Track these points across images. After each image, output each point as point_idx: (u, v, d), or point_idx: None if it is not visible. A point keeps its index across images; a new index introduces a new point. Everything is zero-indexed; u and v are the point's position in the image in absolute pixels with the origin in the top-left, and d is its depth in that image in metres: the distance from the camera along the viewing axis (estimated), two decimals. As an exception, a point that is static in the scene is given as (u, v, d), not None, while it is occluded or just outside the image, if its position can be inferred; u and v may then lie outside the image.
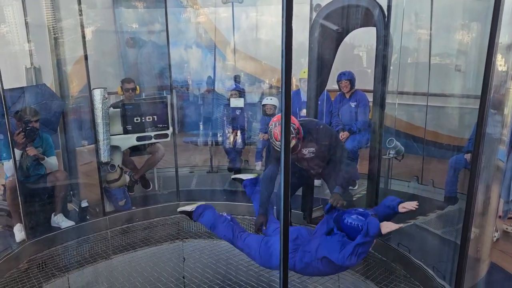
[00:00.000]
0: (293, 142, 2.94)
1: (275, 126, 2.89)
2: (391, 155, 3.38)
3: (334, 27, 3.34)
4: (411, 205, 2.77)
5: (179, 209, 3.38)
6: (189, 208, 3.30)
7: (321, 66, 3.74)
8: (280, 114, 2.81)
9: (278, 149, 2.95)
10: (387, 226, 2.61)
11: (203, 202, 3.44)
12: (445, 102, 5.00)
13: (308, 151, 3.13)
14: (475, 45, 4.39)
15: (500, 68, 2.58)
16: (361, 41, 6.28)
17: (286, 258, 1.62)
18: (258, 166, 5.29)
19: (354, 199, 4.55)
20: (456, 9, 4.63)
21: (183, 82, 6.34)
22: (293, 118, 2.95)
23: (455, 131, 4.63)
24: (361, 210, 2.79)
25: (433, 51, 4.87)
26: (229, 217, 3.17)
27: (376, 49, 3.55)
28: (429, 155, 4.83)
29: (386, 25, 3.43)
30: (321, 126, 3.20)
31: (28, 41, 4.89)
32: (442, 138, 4.92)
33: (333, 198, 2.97)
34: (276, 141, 2.90)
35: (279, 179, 2.91)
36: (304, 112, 4.34)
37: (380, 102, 3.50)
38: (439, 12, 4.81)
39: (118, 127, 4.20)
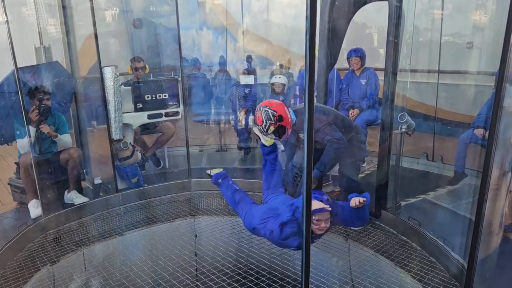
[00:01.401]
0: (271, 128, 3.00)
1: (257, 110, 3.02)
2: (403, 130, 3.39)
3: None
4: (358, 200, 2.79)
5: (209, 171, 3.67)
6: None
7: (331, 41, 3.72)
8: (268, 100, 3.05)
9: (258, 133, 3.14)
10: (317, 204, 2.67)
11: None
12: (457, 79, 4.98)
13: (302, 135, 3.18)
14: (490, 23, 4.35)
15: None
16: (372, 22, 6.22)
17: (308, 238, 1.66)
18: None
19: (363, 175, 4.58)
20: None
21: (193, 62, 6.33)
22: (275, 103, 3.02)
23: (466, 109, 4.62)
24: (320, 195, 2.82)
25: (446, 29, 4.83)
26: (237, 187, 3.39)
27: (388, 25, 3.52)
28: (439, 132, 4.83)
29: (399, 0, 3.38)
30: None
31: (38, 20, 4.90)
32: (452, 116, 4.92)
33: None
34: (258, 125, 3.02)
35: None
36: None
37: (392, 77, 3.48)
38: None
39: (129, 105, 4.22)
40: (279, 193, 3.24)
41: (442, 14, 4.87)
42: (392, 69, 3.30)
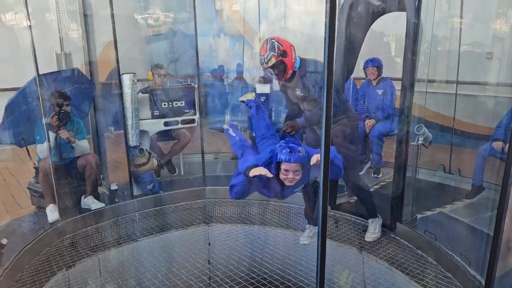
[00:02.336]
0: (272, 60, 2.99)
1: (264, 41, 3.03)
2: (420, 142, 3.35)
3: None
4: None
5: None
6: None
7: (348, 51, 3.72)
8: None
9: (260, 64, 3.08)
10: (257, 170, 2.70)
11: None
12: (476, 90, 4.91)
13: (299, 91, 3.20)
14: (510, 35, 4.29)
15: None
16: (390, 30, 6.18)
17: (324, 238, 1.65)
18: None
19: (378, 186, 4.54)
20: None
21: (210, 70, 6.39)
22: (283, 39, 3.03)
23: (485, 120, 4.55)
24: (294, 143, 2.77)
25: (465, 38, 4.78)
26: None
27: (406, 35, 3.50)
28: (457, 144, 4.77)
29: (417, 10, 3.36)
30: (313, 64, 3.18)
31: (59, 27, 5.01)
32: (471, 127, 4.85)
33: (287, 124, 3.13)
34: (260, 55, 3.02)
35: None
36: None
37: (409, 90, 3.45)
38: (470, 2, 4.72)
39: (146, 112, 4.27)
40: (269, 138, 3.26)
41: (461, 23, 4.82)
42: (409, 85, 3.27)
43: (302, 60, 3.14)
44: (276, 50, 2.97)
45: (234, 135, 3.45)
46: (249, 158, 2.99)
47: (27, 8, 3.56)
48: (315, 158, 2.68)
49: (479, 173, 3.82)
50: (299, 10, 6.33)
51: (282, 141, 2.82)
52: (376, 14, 3.63)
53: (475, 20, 4.97)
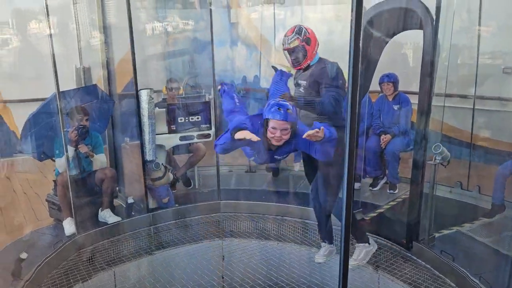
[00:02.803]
0: (294, 42, 3.00)
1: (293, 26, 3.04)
2: (437, 161, 3.31)
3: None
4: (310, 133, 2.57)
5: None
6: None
7: (364, 69, 3.71)
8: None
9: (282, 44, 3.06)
10: (242, 133, 2.69)
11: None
12: (497, 105, 4.86)
13: (303, 88, 3.11)
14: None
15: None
16: (406, 38, 6.14)
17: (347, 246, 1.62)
18: (297, 166, 5.27)
19: (394, 202, 4.49)
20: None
21: (226, 79, 6.42)
22: (312, 31, 3.05)
23: (507, 136, 4.49)
24: (285, 104, 2.74)
25: (483, 54, 4.74)
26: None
27: (423, 52, 3.48)
28: (476, 160, 4.70)
29: (435, 29, 3.35)
30: (330, 65, 3.05)
31: (78, 41, 5.11)
32: (490, 143, 4.78)
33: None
34: (285, 36, 3.04)
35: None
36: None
37: (426, 106, 3.43)
38: (491, 13, 4.68)
39: (162, 126, 4.32)
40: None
41: (479, 37, 4.78)
42: (426, 108, 3.25)
43: (321, 59, 3.11)
44: (302, 35, 2.99)
45: (234, 97, 3.36)
46: (238, 118, 2.97)
47: (48, 22, 3.63)
48: (308, 132, 2.58)
49: (499, 192, 3.75)
50: (315, 18, 6.34)
51: (272, 99, 2.85)
52: (393, 31, 3.62)
53: (494, 32, 4.92)
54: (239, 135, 2.69)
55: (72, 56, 5.05)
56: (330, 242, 3.34)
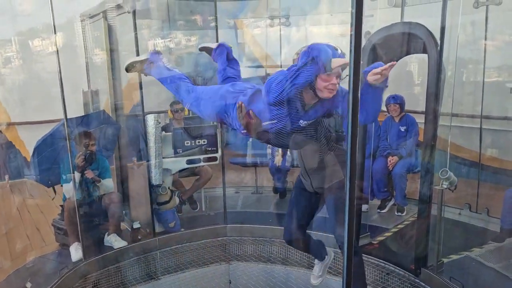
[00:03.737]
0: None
1: None
2: (444, 186, 3.28)
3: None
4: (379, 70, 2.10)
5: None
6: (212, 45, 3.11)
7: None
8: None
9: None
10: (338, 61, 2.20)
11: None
12: (502, 125, 4.82)
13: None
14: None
15: None
16: (411, 57, 6.14)
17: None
18: None
19: (402, 225, 4.45)
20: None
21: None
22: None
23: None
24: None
25: (488, 74, 4.72)
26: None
27: (428, 76, 3.48)
28: (484, 180, 4.65)
29: (439, 52, 3.35)
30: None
31: (87, 65, 5.19)
32: (498, 163, 4.74)
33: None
34: None
35: None
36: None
37: (432, 130, 3.42)
38: (495, 33, 4.67)
39: (169, 150, 4.33)
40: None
41: (485, 56, 4.76)
42: (432, 132, 3.24)
43: None
44: None
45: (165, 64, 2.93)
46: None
47: (56, 47, 3.68)
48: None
49: (508, 216, 3.70)
50: (320, 33, 6.37)
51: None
52: (398, 56, 3.62)
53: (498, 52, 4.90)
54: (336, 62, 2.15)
55: (80, 79, 5.15)
56: (322, 259, 3.21)
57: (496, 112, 4.91)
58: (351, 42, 1.37)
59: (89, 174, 3.88)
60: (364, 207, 4.57)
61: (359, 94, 1.42)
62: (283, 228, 3.36)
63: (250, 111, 2.40)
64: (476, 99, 4.87)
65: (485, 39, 4.65)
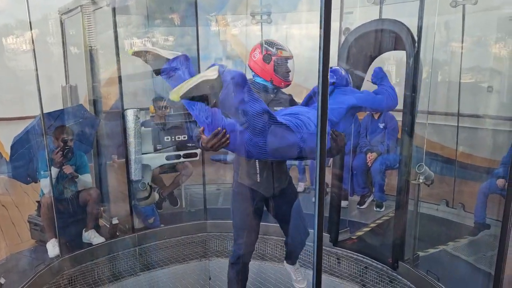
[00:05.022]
0: None
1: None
2: (421, 181, 3.34)
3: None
4: None
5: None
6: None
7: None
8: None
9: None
10: None
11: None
12: (477, 123, 4.93)
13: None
14: (510, 68, 4.33)
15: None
16: (390, 54, 6.23)
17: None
18: (301, 187, 5.23)
19: (380, 221, 4.51)
20: (490, 29, 4.60)
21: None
22: None
23: (488, 153, 4.55)
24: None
25: (465, 71, 4.83)
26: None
27: (406, 72, 3.54)
28: (461, 177, 4.75)
29: (416, 49, 3.41)
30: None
31: (65, 60, 5.10)
32: (473, 160, 4.84)
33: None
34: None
35: None
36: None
37: (409, 126, 3.48)
38: (471, 32, 4.78)
39: (148, 146, 4.29)
40: None
41: (462, 54, 4.87)
42: (409, 126, 3.29)
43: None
44: None
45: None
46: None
47: (33, 42, 3.62)
48: None
49: (481, 211, 3.80)
50: (300, 34, 6.41)
51: None
52: (374, 55, 3.68)
53: (476, 45, 5.02)
54: None
55: (58, 74, 5.06)
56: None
57: (472, 110, 5.03)
58: (320, 42, 1.39)
59: (67, 169, 3.82)
60: (344, 203, 4.62)
61: (327, 93, 1.46)
62: (270, 224, 3.45)
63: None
64: (452, 97, 4.98)
65: (462, 38, 4.76)
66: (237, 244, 2.92)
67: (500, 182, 3.68)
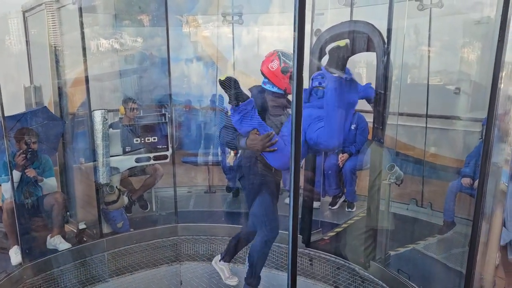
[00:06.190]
0: None
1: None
2: (391, 181, 3.38)
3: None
4: None
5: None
6: None
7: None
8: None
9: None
10: None
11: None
12: (445, 124, 5.05)
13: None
14: (475, 71, 4.45)
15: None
16: (360, 57, 6.31)
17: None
18: None
19: (352, 221, 4.55)
20: (456, 33, 4.72)
21: (183, 98, 6.33)
22: None
23: (455, 153, 4.66)
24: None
25: (433, 74, 4.94)
26: None
27: (377, 73, 3.58)
28: (429, 177, 4.85)
29: (386, 51, 3.45)
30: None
31: (29, 60, 4.91)
32: (441, 160, 4.95)
33: None
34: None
35: None
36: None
37: (380, 126, 3.51)
38: (439, 36, 4.89)
39: (117, 148, 4.18)
40: None
41: (429, 58, 4.97)
42: (381, 124, 3.32)
43: None
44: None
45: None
46: None
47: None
48: None
49: (450, 209, 3.88)
50: (272, 37, 6.42)
51: None
52: (346, 56, 3.69)
53: (444, 48, 5.14)
54: None
55: (21, 74, 4.86)
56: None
57: (440, 111, 5.14)
58: (294, 43, 1.38)
59: (31, 172, 3.66)
60: (316, 204, 4.63)
61: (302, 92, 1.48)
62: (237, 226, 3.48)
63: None
64: (421, 99, 5.08)
65: (429, 40, 4.87)
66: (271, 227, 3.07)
67: (465, 181, 3.77)
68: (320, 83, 3.61)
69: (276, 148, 2.74)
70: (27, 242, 3.67)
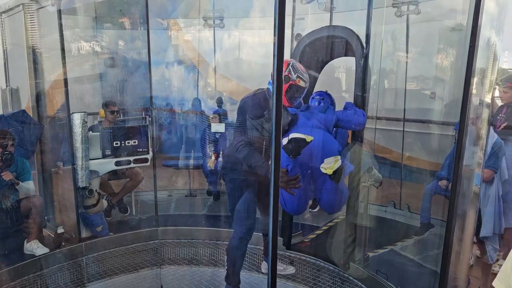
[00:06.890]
0: None
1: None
2: (370, 183, 3.45)
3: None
4: None
5: None
6: None
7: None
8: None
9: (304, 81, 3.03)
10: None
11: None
12: (422, 128, 5.16)
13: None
14: (449, 76, 4.57)
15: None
16: (339, 62, 6.41)
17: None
18: None
19: (332, 223, 4.60)
20: (433, 39, 4.84)
21: (164, 101, 6.31)
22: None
23: (432, 156, 4.77)
24: None
25: (410, 79, 5.05)
26: None
27: (355, 77, 3.65)
28: (407, 179, 4.95)
29: (365, 56, 3.53)
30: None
31: (5, 61, 4.82)
32: (417, 163, 5.06)
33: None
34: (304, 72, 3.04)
35: None
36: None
37: (358, 137, 3.59)
38: (416, 42, 5.01)
39: (96, 151, 4.14)
40: None
41: (406, 63, 5.09)
42: (359, 135, 3.39)
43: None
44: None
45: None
46: None
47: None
48: None
49: (426, 211, 3.96)
50: (253, 41, 6.46)
51: None
52: (325, 60, 3.76)
53: (420, 54, 5.26)
54: None
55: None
56: None
57: (417, 116, 5.26)
58: (274, 48, 1.41)
59: (7, 176, 3.60)
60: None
61: (282, 95, 1.53)
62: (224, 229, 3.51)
63: None
64: (398, 103, 5.20)
65: (407, 47, 4.98)
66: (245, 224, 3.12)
67: (442, 183, 3.86)
68: (319, 103, 3.79)
69: (294, 193, 2.89)
70: (3, 247, 3.60)
